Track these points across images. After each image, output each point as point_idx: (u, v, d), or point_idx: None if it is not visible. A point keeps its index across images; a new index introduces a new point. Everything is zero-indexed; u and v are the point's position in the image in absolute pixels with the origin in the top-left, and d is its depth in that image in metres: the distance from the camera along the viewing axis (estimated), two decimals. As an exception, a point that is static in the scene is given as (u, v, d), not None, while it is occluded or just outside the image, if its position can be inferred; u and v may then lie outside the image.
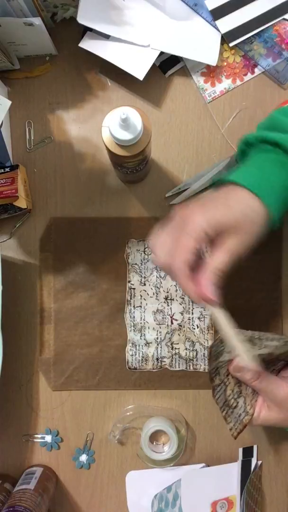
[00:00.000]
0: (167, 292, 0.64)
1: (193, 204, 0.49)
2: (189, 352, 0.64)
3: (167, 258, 0.48)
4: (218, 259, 0.47)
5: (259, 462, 0.64)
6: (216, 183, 0.53)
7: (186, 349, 0.64)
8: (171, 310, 0.64)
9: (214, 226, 0.47)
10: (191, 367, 0.64)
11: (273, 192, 0.48)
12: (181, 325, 0.64)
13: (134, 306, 0.64)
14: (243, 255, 0.48)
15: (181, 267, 0.47)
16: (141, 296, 0.64)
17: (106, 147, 0.52)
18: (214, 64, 0.63)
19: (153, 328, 0.64)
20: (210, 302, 0.47)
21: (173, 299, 0.64)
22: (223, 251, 0.47)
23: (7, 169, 0.61)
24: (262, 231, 0.48)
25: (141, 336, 0.64)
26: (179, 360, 0.64)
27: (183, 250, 0.47)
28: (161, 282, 0.64)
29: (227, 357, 0.54)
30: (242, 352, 0.49)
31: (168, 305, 0.64)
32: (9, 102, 0.55)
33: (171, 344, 0.64)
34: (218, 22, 0.63)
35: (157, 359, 0.64)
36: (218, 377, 0.55)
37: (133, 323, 0.64)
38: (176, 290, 0.64)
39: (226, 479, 0.62)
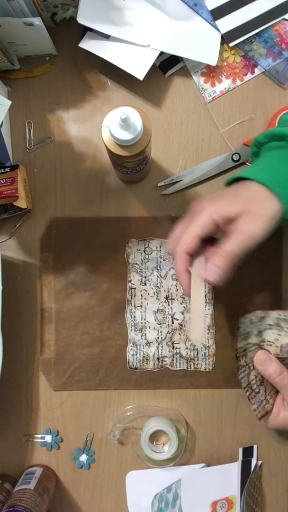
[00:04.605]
0: (168, 291, 0.64)
1: (206, 198, 0.52)
2: (190, 351, 0.64)
3: (173, 244, 0.52)
4: (231, 242, 0.49)
5: (259, 462, 0.64)
6: (228, 182, 0.55)
7: (187, 348, 0.64)
8: (171, 309, 0.64)
9: (221, 213, 0.49)
10: (192, 367, 0.64)
11: (282, 184, 0.50)
12: (182, 325, 0.64)
13: (134, 306, 0.64)
14: (261, 239, 0.49)
15: (180, 250, 0.50)
16: (141, 295, 0.64)
17: (106, 147, 0.52)
18: (214, 64, 0.63)
19: (154, 327, 0.64)
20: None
21: (173, 299, 0.64)
22: (237, 233, 0.49)
23: (7, 169, 0.61)
24: (275, 218, 0.49)
25: (142, 335, 0.64)
26: (180, 360, 0.64)
27: (186, 237, 0.50)
28: (161, 282, 0.64)
29: (254, 340, 0.54)
30: (199, 328, 0.52)
31: (168, 304, 0.64)
32: (9, 102, 0.55)
33: (172, 343, 0.64)
34: (218, 22, 0.63)
35: (158, 358, 0.64)
36: (245, 359, 0.56)
37: (134, 323, 0.64)
38: (177, 290, 0.64)
39: (226, 479, 0.62)
